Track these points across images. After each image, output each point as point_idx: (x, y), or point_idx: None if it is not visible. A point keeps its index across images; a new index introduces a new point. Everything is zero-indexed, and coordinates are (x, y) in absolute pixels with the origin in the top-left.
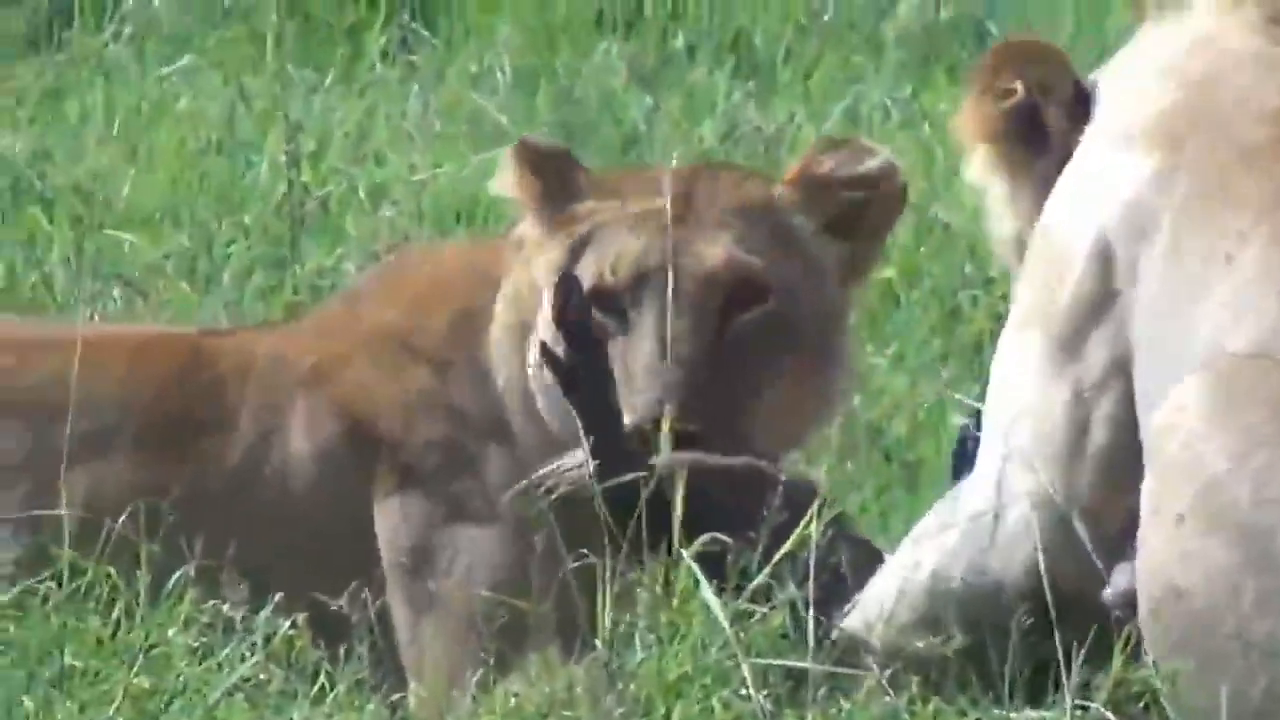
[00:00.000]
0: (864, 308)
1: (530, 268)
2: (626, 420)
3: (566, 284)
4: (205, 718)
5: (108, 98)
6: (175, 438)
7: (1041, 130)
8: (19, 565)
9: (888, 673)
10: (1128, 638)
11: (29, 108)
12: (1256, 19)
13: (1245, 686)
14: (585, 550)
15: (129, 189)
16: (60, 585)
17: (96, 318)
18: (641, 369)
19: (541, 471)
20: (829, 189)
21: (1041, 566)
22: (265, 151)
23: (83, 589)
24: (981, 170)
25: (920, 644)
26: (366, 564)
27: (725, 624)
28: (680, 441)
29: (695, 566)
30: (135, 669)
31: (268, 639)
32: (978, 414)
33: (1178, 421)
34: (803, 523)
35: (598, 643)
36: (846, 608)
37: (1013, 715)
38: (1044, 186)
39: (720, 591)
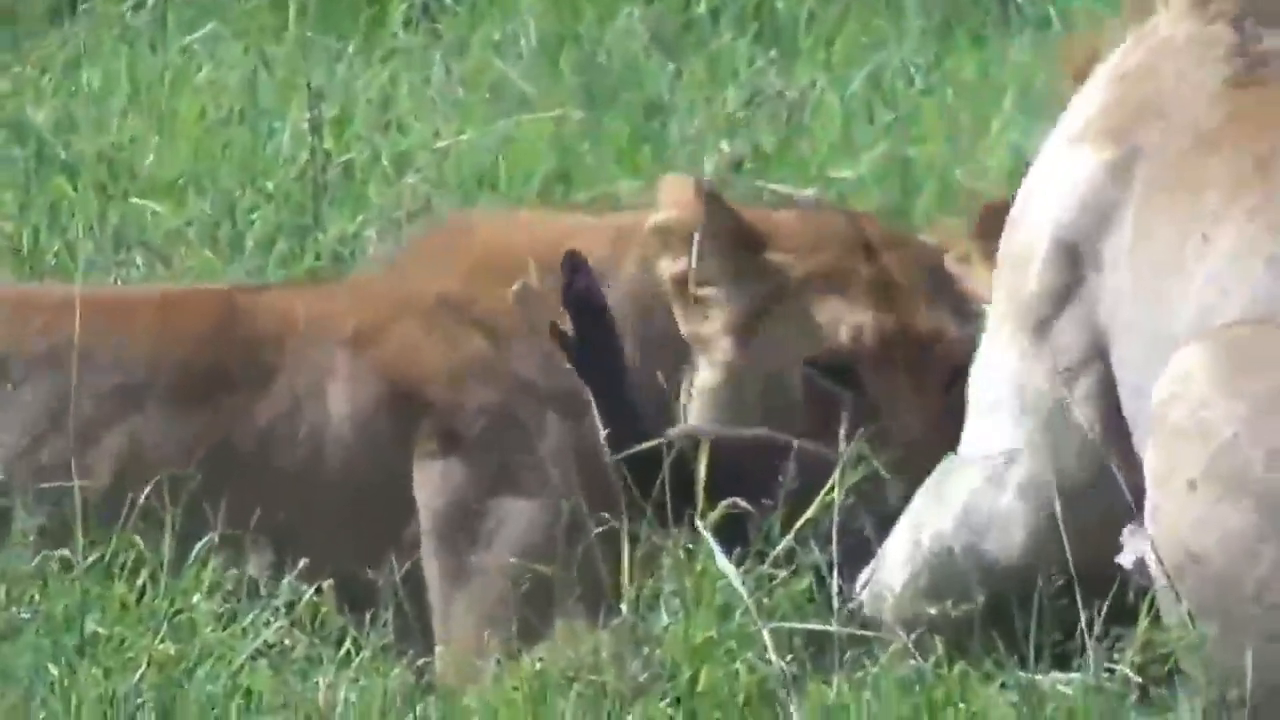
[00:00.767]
0: None
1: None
2: None
3: (572, 262)
4: (229, 683)
5: (130, 67)
6: (209, 395)
7: None
8: (44, 534)
9: (913, 636)
10: (1151, 601)
11: (52, 77)
12: (1185, 5)
13: (1267, 648)
14: (607, 515)
15: (152, 157)
16: (83, 554)
17: (118, 284)
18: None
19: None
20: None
21: (1071, 547)
22: (288, 119)
23: (107, 556)
24: None
25: (933, 610)
26: (399, 529)
27: (742, 590)
28: None
29: (709, 535)
30: (160, 635)
31: (291, 605)
32: None
33: (1182, 390)
34: (825, 488)
35: (623, 607)
36: (861, 576)
37: (1038, 678)
38: None
39: (744, 558)
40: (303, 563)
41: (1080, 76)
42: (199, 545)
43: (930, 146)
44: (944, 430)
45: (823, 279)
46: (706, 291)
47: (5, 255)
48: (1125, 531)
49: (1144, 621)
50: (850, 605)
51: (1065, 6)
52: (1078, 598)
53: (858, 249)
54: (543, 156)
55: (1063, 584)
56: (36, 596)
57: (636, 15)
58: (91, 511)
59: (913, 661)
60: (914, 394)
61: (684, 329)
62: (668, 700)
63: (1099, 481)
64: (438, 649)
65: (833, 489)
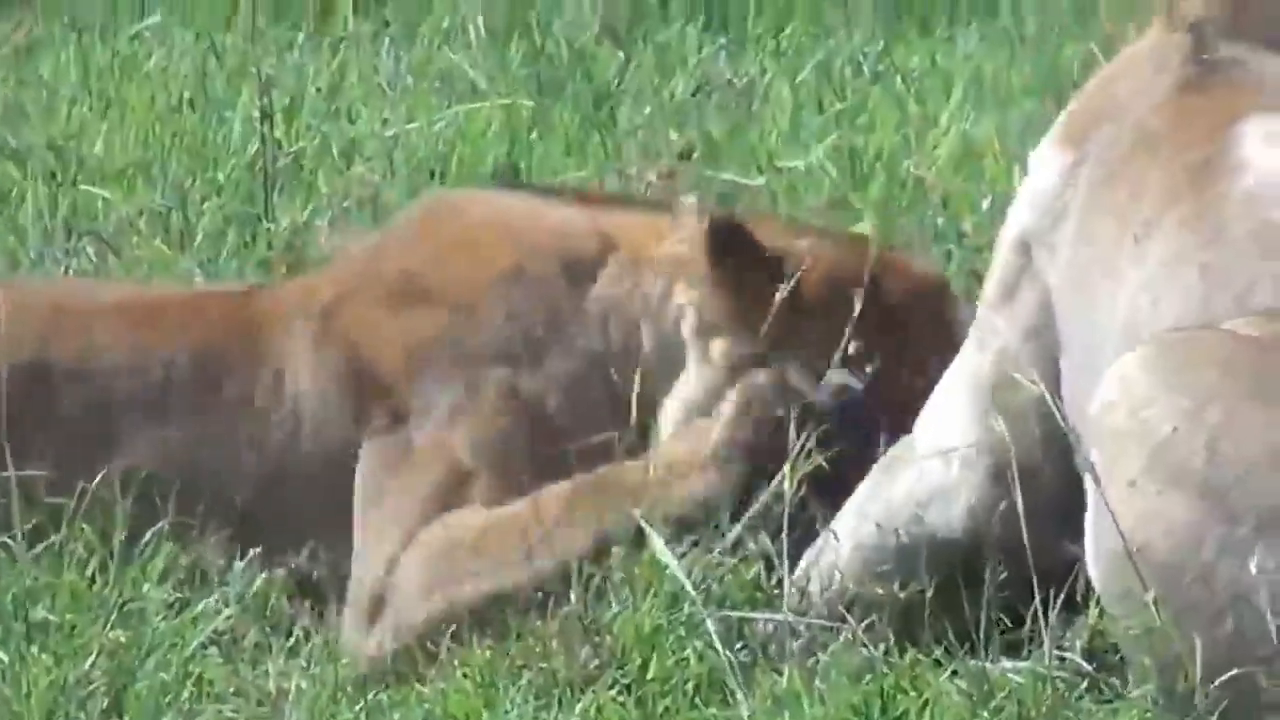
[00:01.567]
0: None
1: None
2: None
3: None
4: (180, 671)
5: (80, 55)
6: (187, 383)
7: None
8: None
9: (863, 624)
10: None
11: (1, 65)
12: (1162, 14)
13: (1212, 632)
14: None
15: (102, 146)
16: (27, 541)
17: (70, 274)
18: None
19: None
20: None
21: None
22: (238, 108)
23: (58, 544)
24: None
25: (879, 590)
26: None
27: (684, 579)
28: None
29: (648, 528)
30: (110, 623)
31: (242, 594)
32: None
33: (1121, 394)
34: (776, 478)
35: (572, 596)
36: (807, 555)
37: (989, 665)
38: None
39: (694, 545)
40: (253, 551)
41: None
42: (150, 532)
43: (879, 136)
44: None
45: (830, 319)
46: (715, 319)
47: None
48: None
49: (1094, 609)
50: (795, 585)
51: None
52: (1033, 579)
53: (867, 288)
54: (492, 145)
55: (1008, 567)
56: None
57: (586, 4)
58: (45, 498)
59: (863, 650)
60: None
61: (690, 345)
62: (617, 689)
63: (1043, 462)
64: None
65: (785, 477)
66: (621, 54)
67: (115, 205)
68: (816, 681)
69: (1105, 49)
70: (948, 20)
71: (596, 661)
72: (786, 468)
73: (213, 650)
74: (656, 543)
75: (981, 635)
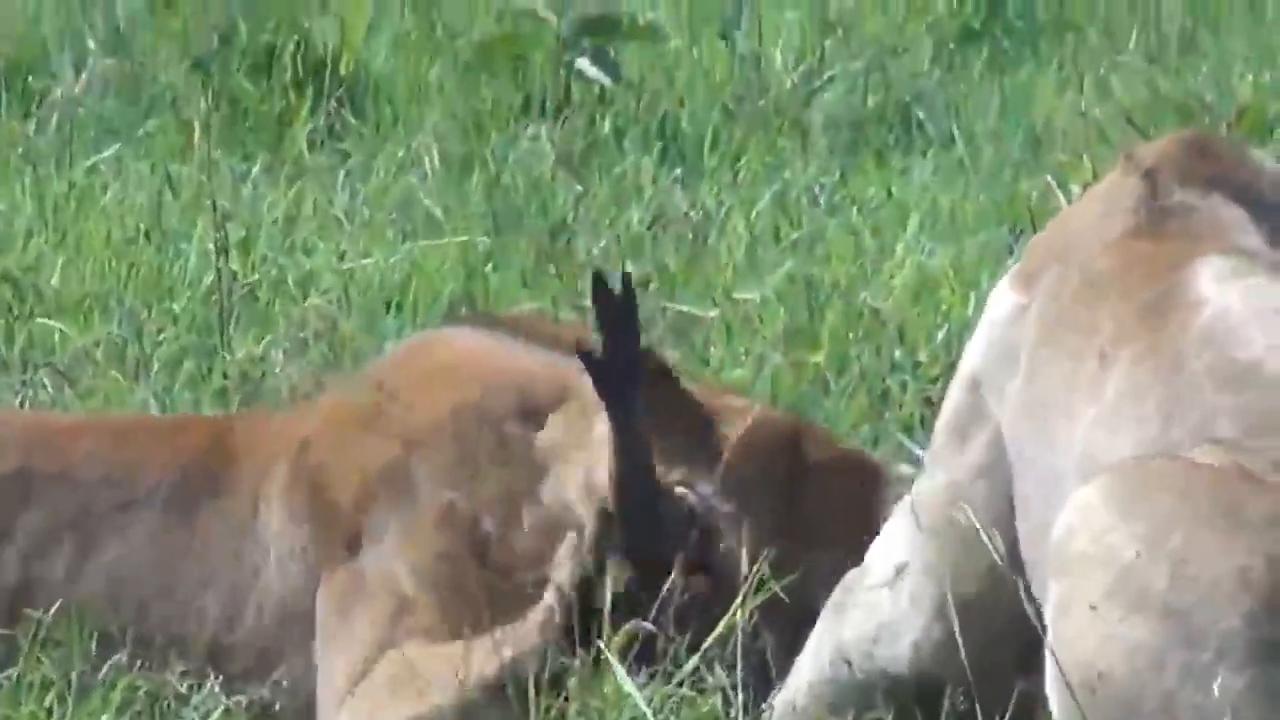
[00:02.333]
0: (793, 393)
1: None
2: None
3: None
4: None
5: (36, 187)
6: (165, 511)
7: None
8: None
9: None
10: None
11: None
12: (1121, 158)
13: None
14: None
15: (58, 278)
16: None
17: (26, 406)
18: None
19: None
20: None
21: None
22: (194, 240)
23: (15, 676)
24: None
25: None
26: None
27: (647, 711)
28: None
29: (614, 660)
30: None
31: None
32: None
33: (1081, 522)
34: (733, 607)
35: None
36: (773, 694)
37: None
38: None
39: (651, 677)
40: (212, 681)
41: None
42: (107, 665)
43: (835, 267)
44: None
45: (748, 472)
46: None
47: None
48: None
49: None
50: None
51: (969, 127)
52: (992, 711)
53: (791, 471)
54: (449, 278)
55: (968, 700)
56: None
57: (542, 135)
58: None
59: None
60: None
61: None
62: None
63: (988, 596)
64: None
65: (739, 608)
66: (578, 186)
67: (72, 337)
68: None
69: (1060, 181)
70: (903, 151)
71: None
72: (739, 600)
73: None
74: (618, 671)
75: None
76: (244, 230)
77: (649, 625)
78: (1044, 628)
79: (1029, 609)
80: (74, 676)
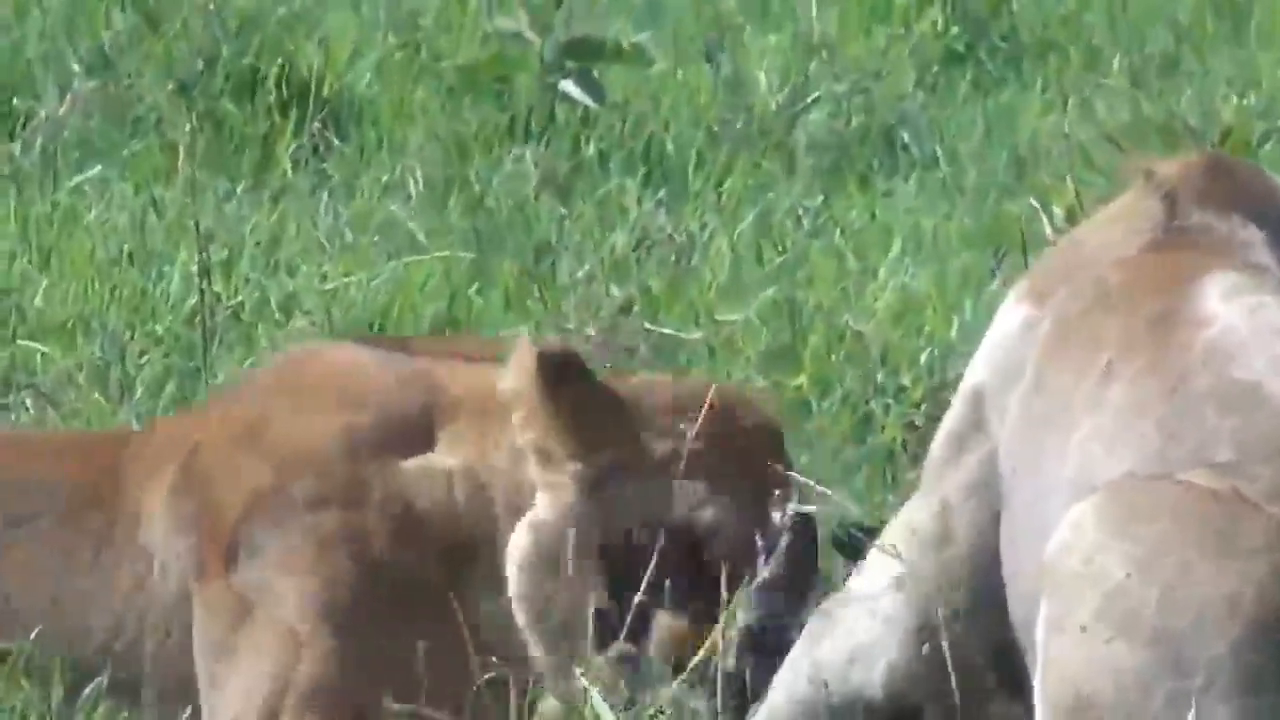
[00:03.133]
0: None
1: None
2: None
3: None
4: None
5: (19, 207)
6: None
7: None
8: None
9: None
10: None
11: None
12: (1140, 179)
13: None
14: (497, 662)
15: (41, 299)
16: None
17: (9, 428)
18: None
19: None
20: None
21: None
22: (177, 261)
23: None
24: None
25: None
26: None
27: None
28: None
29: (592, 690)
30: None
31: None
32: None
33: (1075, 540)
34: (712, 631)
35: None
36: (751, 711)
37: None
38: None
39: (631, 703)
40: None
41: None
42: (88, 689)
43: (819, 289)
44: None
45: (680, 459)
46: (555, 450)
47: None
48: None
49: None
50: None
51: (952, 149)
52: None
53: (723, 432)
54: (431, 299)
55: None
56: None
57: (526, 157)
58: None
59: None
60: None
61: (534, 473)
62: None
63: (966, 623)
64: None
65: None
66: (561, 208)
67: (54, 359)
68: None
69: (1043, 203)
70: (887, 174)
71: None
72: (719, 625)
73: None
74: (595, 699)
75: None
76: (227, 251)
77: (630, 648)
78: (1024, 651)
79: (1019, 630)
80: (53, 702)
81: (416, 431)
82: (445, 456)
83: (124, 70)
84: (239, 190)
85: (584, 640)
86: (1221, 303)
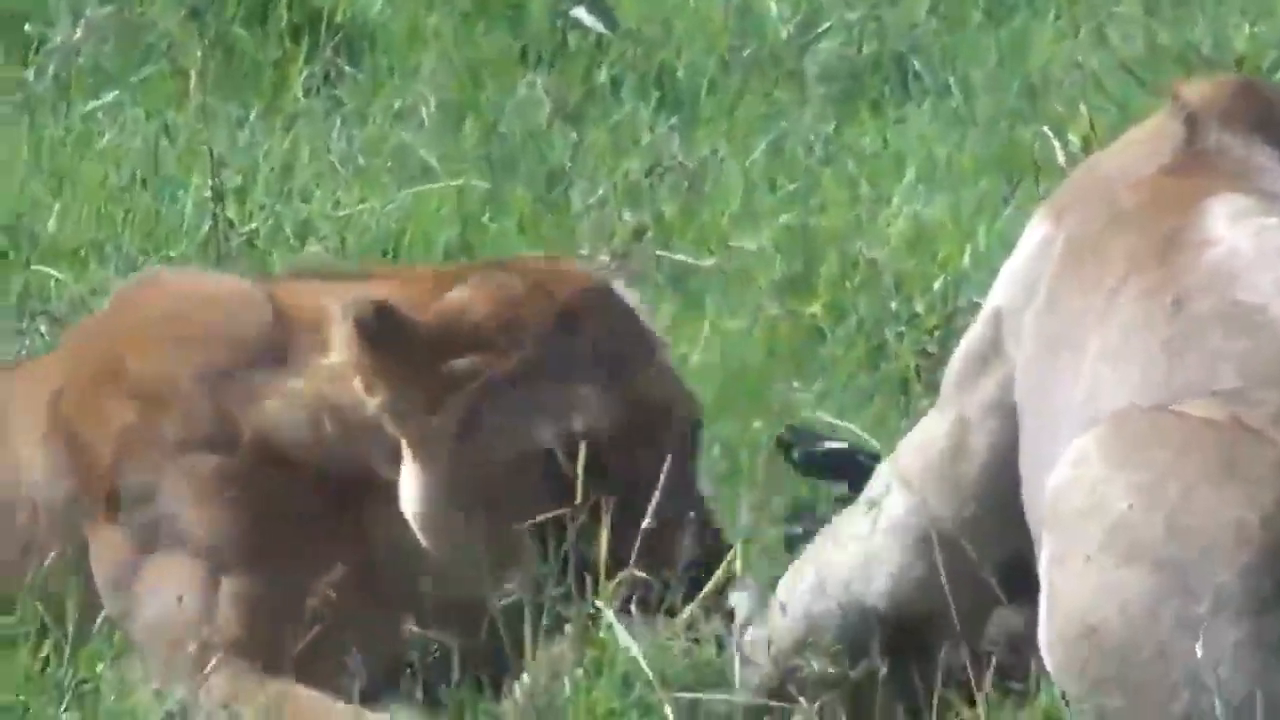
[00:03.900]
0: (790, 343)
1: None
2: None
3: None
4: None
5: (32, 133)
6: None
7: None
8: None
9: (816, 705)
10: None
11: None
12: (1168, 103)
13: (1168, 708)
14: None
15: (54, 224)
16: None
17: (24, 354)
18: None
19: None
20: None
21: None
22: (190, 187)
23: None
24: None
25: (813, 658)
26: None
27: (643, 663)
28: None
29: (609, 611)
30: (65, 704)
31: None
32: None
33: (1079, 473)
34: (727, 558)
35: (525, 677)
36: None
37: None
38: None
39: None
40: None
41: None
42: (103, 614)
43: (831, 216)
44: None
45: (532, 365)
46: (405, 407)
47: None
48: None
49: (1043, 690)
50: (740, 651)
51: (964, 77)
52: (985, 650)
53: (558, 320)
54: (445, 225)
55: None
56: None
57: (538, 84)
58: None
59: None
60: (656, 466)
61: (399, 435)
62: None
63: (974, 537)
64: None
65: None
66: (574, 134)
67: (68, 284)
68: None
69: (1056, 131)
70: (899, 101)
71: None
72: (737, 545)
73: None
74: (614, 624)
75: (933, 713)
76: (240, 177)
77: (644, 575)
78: (1034, 566)
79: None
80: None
81: (269, 355)
82: (301, 380)
83: None
84: (252, 116)
85: (515, 566)
86: (1228, 225)
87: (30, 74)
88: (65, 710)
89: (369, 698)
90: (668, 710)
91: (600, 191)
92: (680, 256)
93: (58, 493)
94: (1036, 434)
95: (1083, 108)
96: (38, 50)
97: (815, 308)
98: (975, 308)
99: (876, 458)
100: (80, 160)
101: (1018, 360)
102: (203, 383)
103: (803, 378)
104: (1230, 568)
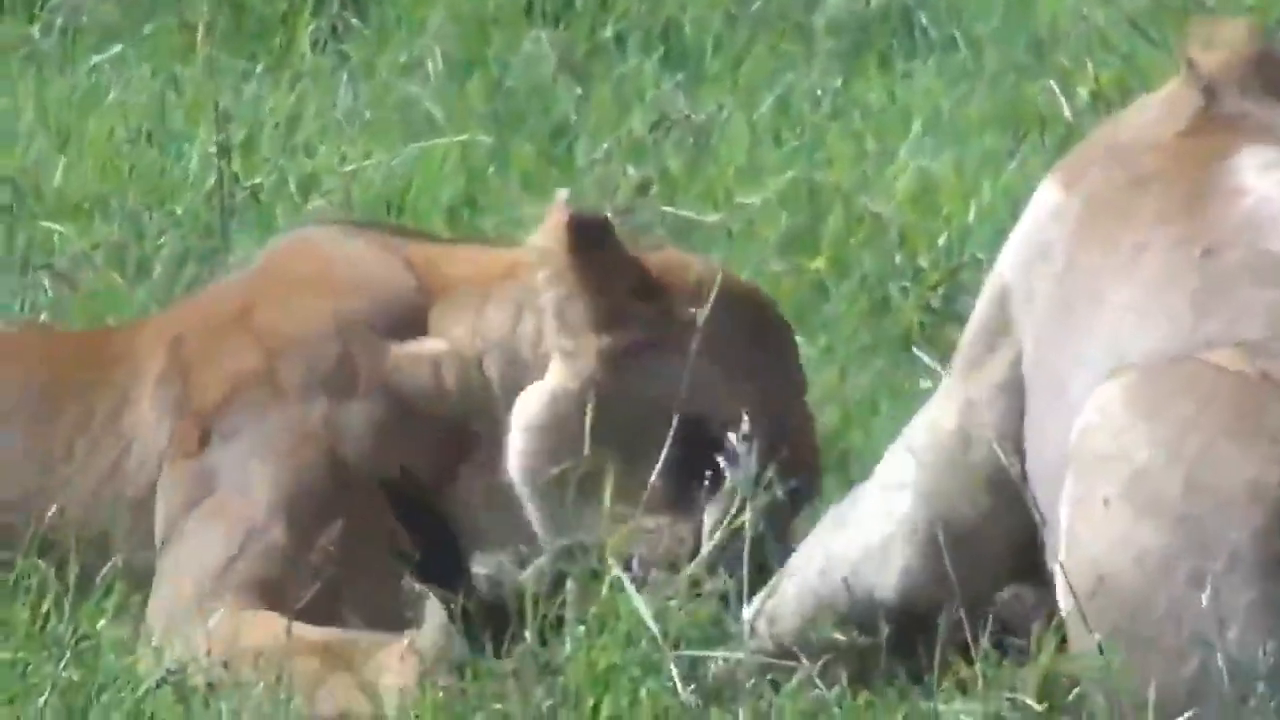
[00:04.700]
0: (793, 298)
1: (549, 335)
2: None
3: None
4: (133, 710)
5: (37, 88)
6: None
7: None
8: None
9: (818, 665)
10: (1058, 628)
11: None
12: (1183, 69)
13: (1176, 667)
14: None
15: (59, 179)
16: None
17: (27, 308)
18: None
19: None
20: None
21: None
22: (195, 141)
23: (11, 581)
24: None
25: (814, 635)
26: None
27: (648, 617)
28: None
29: (617, 566)
30: (64, 661)
31: None
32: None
33: (1101, 420)
34: (732, 514)
35: (526, 634)
36: (759, 596)
37: (942, 708)
38: None
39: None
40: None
41: None
42: (104, 569)
43: (837, 171)
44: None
45: (707, 341)
46: (579, 317)
47: None
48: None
49: (1048, 649)
50: (749, 622)
51: (971, 31)
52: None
53: (738, 314)
54: (450, 180)
55: (949, 616)
56: None
57: (544, 39)
58: None
59: (816, 691)
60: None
61: (552, 340)
62: None
63: (985, 524)
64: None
65: (741, 514)
66: (579, 89)
67: (72, 239)
68: None
69: (1063, 85)
70: (905, 55)
71: (550, 701)
72: (747, 504)
73: (165, 689)
74: (620, 579)
75: (934, 676)
76: (246, 132)
77: (650, 526)
78: (1043, 548)
79: (1044, 532)
80: (70, 581)
81: (408, 317)
82: (437, 341)
83: None
84: (258, 70)
85: (591, 510)
86: (1258, 175)
87: (36, 29)
88: (64, 668)
89: None
90: (673, 669)
91: (605, 147)
92: (685, 212)
93: (160, 433)
94: (1046, 396)
95: (1089, 62)
96: (43, 6)
97: (819, 263)
98: (979, 263)
99: None
100: (85, 115)
101: (1027, 329)
102: (332, 329)
103: (806, 333)
104: (1245, 528)
